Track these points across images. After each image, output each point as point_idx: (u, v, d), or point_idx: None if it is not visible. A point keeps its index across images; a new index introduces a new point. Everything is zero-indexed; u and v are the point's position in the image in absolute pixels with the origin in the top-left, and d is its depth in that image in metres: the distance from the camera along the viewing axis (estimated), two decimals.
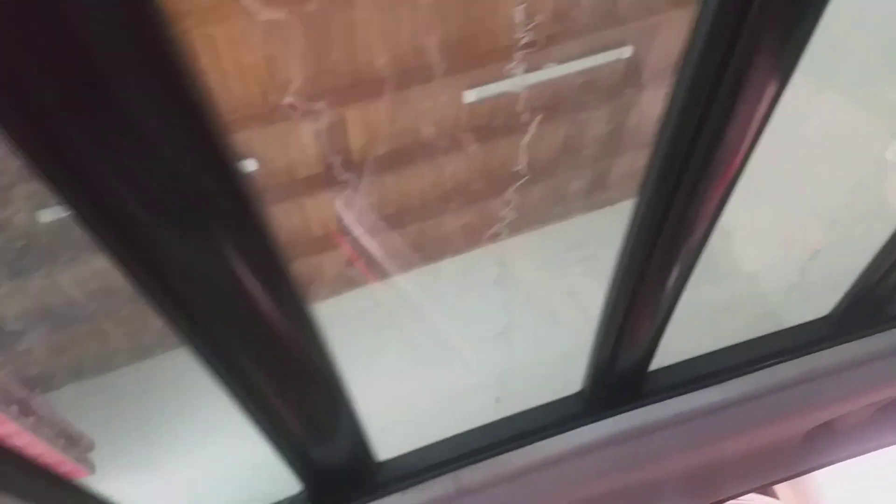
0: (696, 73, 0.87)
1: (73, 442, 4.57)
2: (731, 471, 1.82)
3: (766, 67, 0.86)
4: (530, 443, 1.52)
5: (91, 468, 4.60)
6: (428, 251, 5.61)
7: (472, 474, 1.48)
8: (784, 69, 0.88)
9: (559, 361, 1.97)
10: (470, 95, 4.66)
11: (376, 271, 5.14)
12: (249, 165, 4.48)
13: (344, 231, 5.10)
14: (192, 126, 0.61)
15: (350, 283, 5.39)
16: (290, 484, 1.36)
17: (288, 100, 4.05)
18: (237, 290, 0.78)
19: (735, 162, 1.02)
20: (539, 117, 4.99)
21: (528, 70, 4.59)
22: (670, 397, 1.58)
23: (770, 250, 4.92)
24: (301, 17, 3.68)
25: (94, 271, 4.45)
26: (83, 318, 4.75)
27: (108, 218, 0.65)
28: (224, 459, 4.02)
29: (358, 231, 5.00)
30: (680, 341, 1.57)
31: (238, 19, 3.54)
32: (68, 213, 0.65)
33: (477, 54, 4.40)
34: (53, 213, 3.96)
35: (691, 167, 0.99)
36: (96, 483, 1.11)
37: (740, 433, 1.67)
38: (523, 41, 4.24)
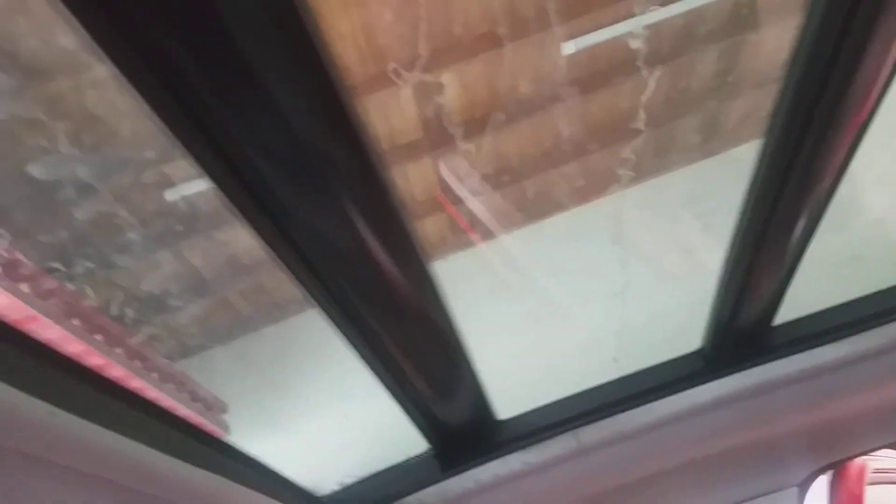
0: (827, 3, 0.81)
1: (209, 405, 4.92)
2: (861, 427, 1.74)
3: None
4: (650, 402, 1.51)
5: (226, 429, 4.94)
6: (540, 208, 5.57)
7: (593, 433, 1.50)
8: None
9: (678, 318, 1.93)
10: (568, 47, 4.55)
11: (485, 233, 5.17)
12: None
13: (450, 194, 5.14)
14: (320, 90, 0.64)
15: (460, 244, 5.45)
16: (418, 443, 1.42)
17: (390, 66, 4.10)
18: (362, 250, 0.82)
19: (869, 100, 0.95)
20: (656, 62, 4.80)
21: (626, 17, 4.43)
22: (796, 353, 1.52)
23: None
24: None
25: (219, 243, 4.73)
26: (213, 288, 5.07)
27: (244, 186, 0.70)
28: (354, 420, 4.20)
29: (464, 193, 5.03)
30: (806, 293, 1.51)
31: None
32: (210, 184, 0.71)
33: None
34: (177, 193, 4.23)
35: (821, 106, 0.93)
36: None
37: (870, 388, 1.59)
38: None
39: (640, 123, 4.85)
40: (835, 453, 1.86)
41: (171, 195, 4.22)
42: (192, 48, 0.56)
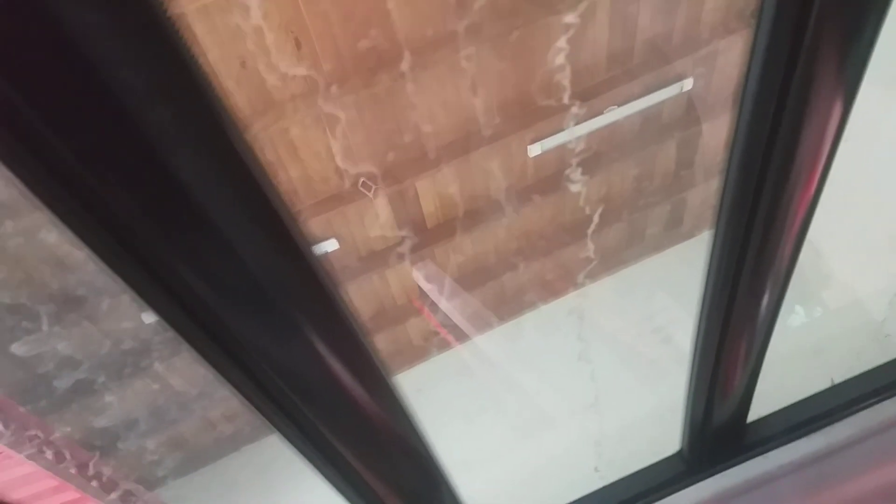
0: (757, 95, 0.83)
1: None
2: None
3: (831, 80, 0.82)
4: None
5: None
6: (509, 308, 5.61)
7: None
8: (850, 80, 0.83)
9: (654, 422, 1.93)
10: (534, 149, 4.72)
11: (460, 335, 5.17)
12: (330, 245, 4.67)
13: (424, 297, 5.17)
14: (265, 220, 0.64)
15: (438, 347, 5.44)
16: None
17: (360, 181, 4.22)
18: (321, 373, 0.81)
19: (812, 180, 0.96)
20: (603, 161, 4.99)
21: (587, 118, 4.63)
22: (774, 448, 1.52)
23: (865, 277, 4.66)
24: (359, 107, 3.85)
25: (191, 365, 4.67)
26: (188, 412, 4.96)
27: (191, 315, 0.69)
28: None
29: (437, 296, 5.07)
30: (776, 389, 1.53)
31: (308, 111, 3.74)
32: (154, 316, 0.70)
33: (534, 109, 4.48)
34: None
35: (765, 192, 0.93)
36: None
37: (851, 478, 1.58)
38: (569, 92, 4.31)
39: (600, 218, 4.99)
40: None
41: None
42: (129, 189, 0.56)
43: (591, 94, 4.50)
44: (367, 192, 4.29)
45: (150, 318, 4.16)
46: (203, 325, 0.70)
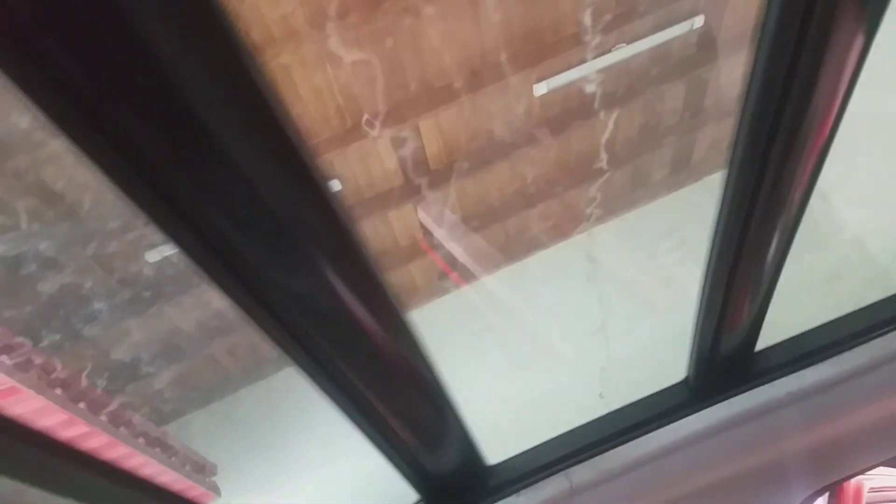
0: (777, 28, 0.82)
1: (199, 468, 4.82)
2: (853, 447, 1.73)
3: (852, 15, 0.81)
4: (639, 436, 1.51)
5: (217, 492, 4.84)
6: (515, 249, 5.61)
7: (584, 472, 1.48)
8: (871, 15, 0.82)
9: (660, 350, 1.93)
10: (540, 88, 4.64)
11: (465, 275, 5.18)
12: (333, 186, 4.63)
13: (430, 238, 5.16)
14: (282, 153, 0.64)
15: (442, 289, 5.46)
16: (408, 494, 1.40)
17: (364, 118, 4.16)
18: (336, 306, 0.82)
19: (827, 122, 0.96)
20: (615, 101, 4.91)
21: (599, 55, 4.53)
22: (781, 376, 1.52)
23: (874, 211, 4.63)
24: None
25: (201, 302, 4.70)
26: (197, 348, 5.02)
27: (212, 251, 0.70)
28: (343, 473, 4.14)
29: (443, 237, 5.06)
30: (786, 317, 1.52)
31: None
32: (175, 250, 0.71)
33: (546, 44, 4.38)
34: (159, 253, 4.21)
35: (780, 133, 0.93)
36: None
37: (859, 407, 1.59)
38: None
39: (609, 158, 4.94)
40: (830, 474, 1.85)
41: (152, 256, 4.21)
42: (149, 122, 0.56)
43: (600, 30, 4.39)
44: (370, 131, 4.23)
45: (154, 257, 4.17)
46: (222, 258, 0.71)
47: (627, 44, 4.59)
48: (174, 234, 0.67)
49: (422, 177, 4.79)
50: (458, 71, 4.31)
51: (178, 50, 0.52)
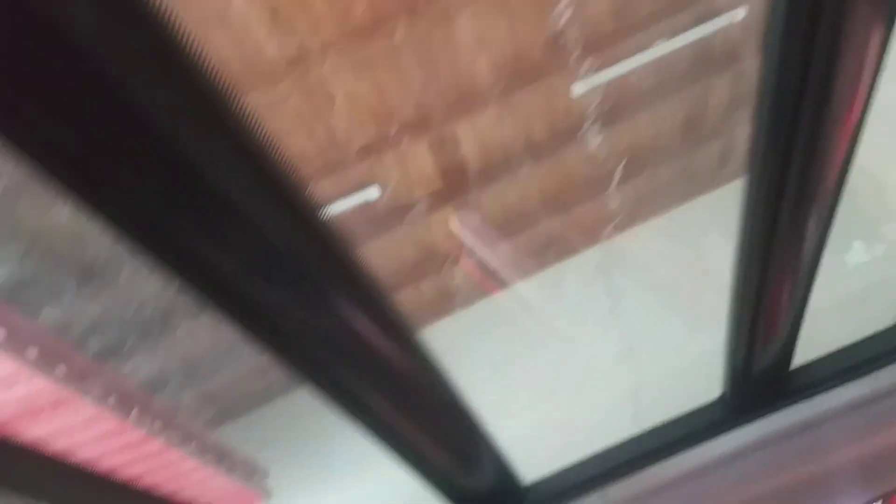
0: (786, 22, 0.77)
1: (250, 471, 4.91)
2: None
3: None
4: (676, 454, 1.50)
5: (269, 494, 4.92)
6: (545, 256, 5.57)
7: (620, 490, 1.48)
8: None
9: (695, 367, 1.92)
10: (578, 88, 4.60)
11: (495, 283, 5.17)
12: (372, 193, 4.67)
13: (463, 245, 5.17)
14: (273, 191, 0.65)
15: (473, 296, 5.44)
16: None
17: (397, 126, 4.19)
18: (343, 333, 0.83)
19: (851, 115, 0.90)
20: (650, 98, 4.85)
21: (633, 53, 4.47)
22: (818, 394, 1.50)
23: None
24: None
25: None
26: (248, 354, 5.11)
27: (212, 285, 0.71)
28: (390, 481, 4.18)
29: (476, 243, 5.06)
30: (822, 333, 1.49)
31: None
32: (181, 290, 0.72)
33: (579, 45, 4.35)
34: None
35: (802, 125, 0.88)
36: None
37: None
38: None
39: (645, 157, 4.88)
40: (878, 486, 1.82)
41: None
42: (157, 187, 0.58)
43: (635, 28, 4.35)
44: (404, 139, 4.26)
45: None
46: (225, 293, 0.72)
47: (667, 39, 4.52)
48: (177, 276, 0.69)
49: (457, 181, 4.81)
50: (494, 74, 4.31)
51: (156, 97, 0.52)
